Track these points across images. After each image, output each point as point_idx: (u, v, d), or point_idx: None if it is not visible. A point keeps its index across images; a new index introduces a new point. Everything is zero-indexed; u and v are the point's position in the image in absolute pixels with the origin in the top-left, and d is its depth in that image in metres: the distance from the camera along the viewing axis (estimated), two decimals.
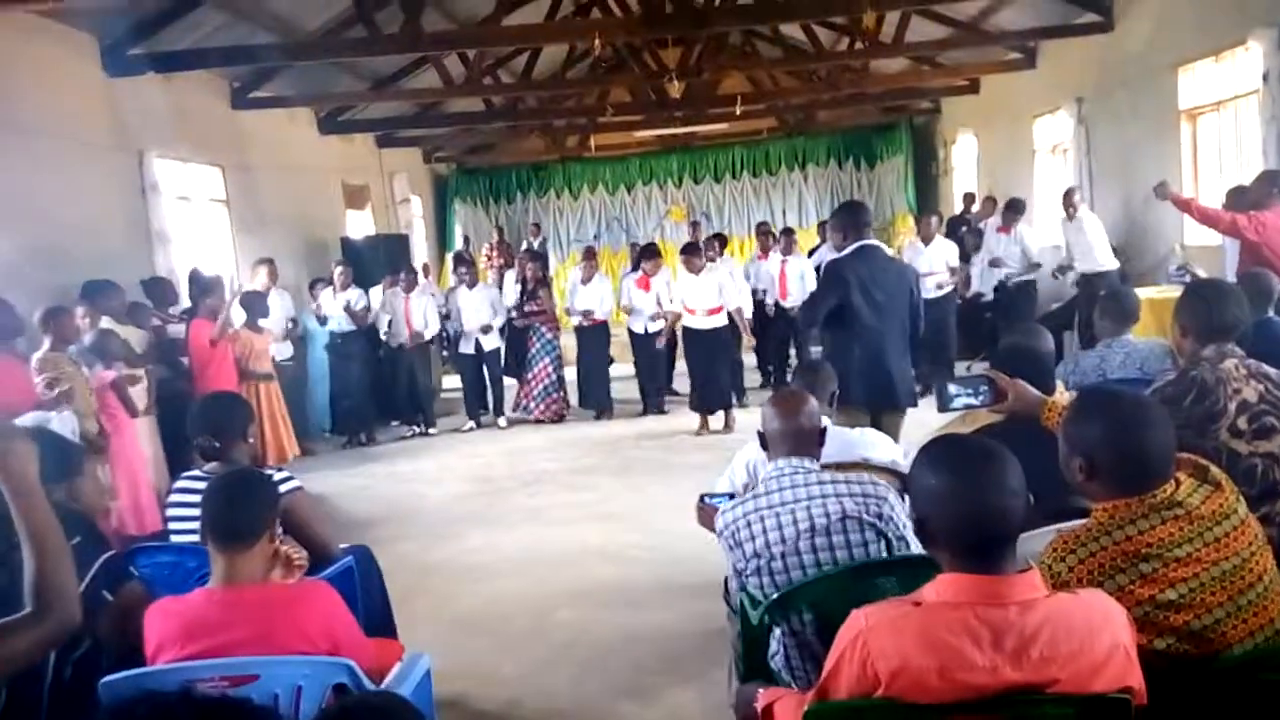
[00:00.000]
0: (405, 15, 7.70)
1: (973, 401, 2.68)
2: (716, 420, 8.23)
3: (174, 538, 3.20)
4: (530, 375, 9.14)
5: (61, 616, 1.66)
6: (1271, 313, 4.07)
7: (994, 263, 8.95)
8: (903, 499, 3.34)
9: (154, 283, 7.17)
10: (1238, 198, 6.23)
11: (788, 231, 10.17)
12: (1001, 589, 1.61)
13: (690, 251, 8.55)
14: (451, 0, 10.44)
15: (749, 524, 2.51)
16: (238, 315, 7.10)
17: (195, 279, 7.33)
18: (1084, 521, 1.94)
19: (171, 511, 3.23)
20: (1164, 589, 1.79)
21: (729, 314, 8.39)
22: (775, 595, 2.44)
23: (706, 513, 3.23)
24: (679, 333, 8.95)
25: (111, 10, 6.95)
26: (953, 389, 2.67)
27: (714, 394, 8.21)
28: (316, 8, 8.83)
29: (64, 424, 4.94)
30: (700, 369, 8.27)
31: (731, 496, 3.13)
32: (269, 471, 3.12)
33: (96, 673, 2.14)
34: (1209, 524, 1.84)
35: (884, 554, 2.50)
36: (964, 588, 1.63)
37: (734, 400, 8.64)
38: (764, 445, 2.76)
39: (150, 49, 7.50)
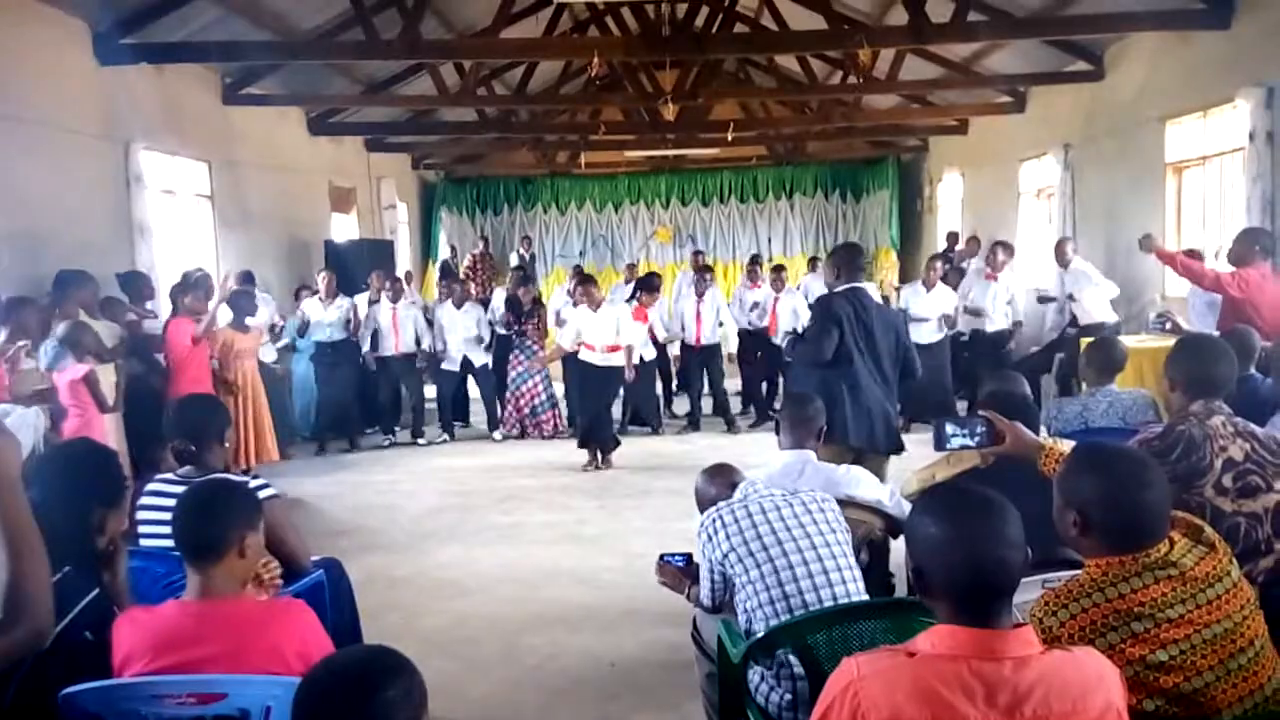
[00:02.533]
0: (404, 22, 7.68)
1: (969, 442, 2.62)
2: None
3: (143, 542, 3.10)
4: (519, 393, 9.08)
5: (33, 626, 1.58)
6: (1253, 370, 4.12)
7: (973, 311, 8.86)
8: (889, 539, 3.36)
9: (131, 276, 7.05)
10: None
11: (779, 268, 10.11)
12: (997, 644, 1.59)
13: (586, 283, 8.26)
14: (449, 9, 10.45)
15: (724, 516, 2.79)
16: (224, 314, 6.98)
17: (185, 279, 7.18)
18: (1076, 575, 1.92)
19: (141, 515, 3.13)
20: (1155, 650, 1.78)
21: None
22: (759, 633, 2.41)
23: (667, 571, 3.21)
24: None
25: None
26: (950, 429, 2.61)
27: (602, 431, 7.87)
28: (314, 8, 8.79)
29: (23, 420, 4.85)
30: (591, 405, 7.95)
31: (689, 559, 3.12)
32: (247, 479, 3.05)
33: (42, 693, 2.02)
34: (1202, 585, 1.83)
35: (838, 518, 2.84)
36: (960, 640, 1.61)
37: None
38: (700, 507, 3.06)
39: (143, 39, 7.43)
